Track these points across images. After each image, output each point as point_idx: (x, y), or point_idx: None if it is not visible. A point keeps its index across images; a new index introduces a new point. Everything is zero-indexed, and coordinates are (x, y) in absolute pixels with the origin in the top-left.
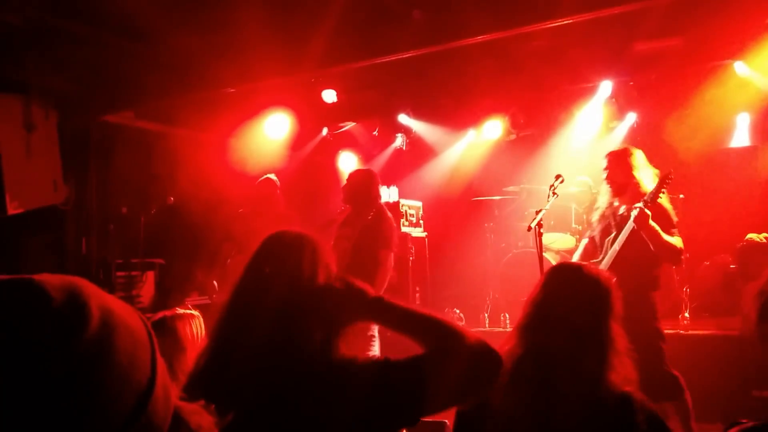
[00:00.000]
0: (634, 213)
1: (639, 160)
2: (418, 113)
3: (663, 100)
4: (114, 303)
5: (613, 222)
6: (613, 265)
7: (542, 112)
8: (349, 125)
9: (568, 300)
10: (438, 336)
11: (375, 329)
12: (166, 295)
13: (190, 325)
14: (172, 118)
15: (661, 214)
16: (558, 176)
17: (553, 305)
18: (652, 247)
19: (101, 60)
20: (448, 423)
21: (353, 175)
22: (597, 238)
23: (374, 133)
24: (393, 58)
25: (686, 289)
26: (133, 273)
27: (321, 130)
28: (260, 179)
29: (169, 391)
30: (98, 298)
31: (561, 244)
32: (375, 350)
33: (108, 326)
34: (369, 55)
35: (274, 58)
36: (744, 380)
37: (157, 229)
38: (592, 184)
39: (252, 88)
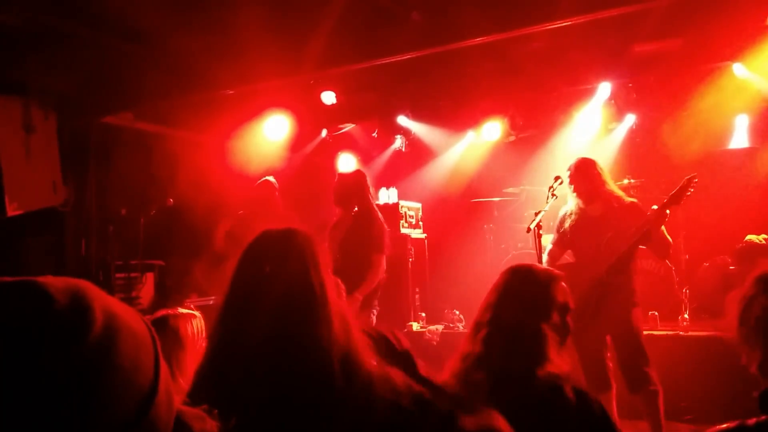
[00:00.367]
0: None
1: (605, 170)
2: (417, 115)
3: (662, 102)
4: (118, 306)
5: (584, 221)
6: (596, 258)
7: (541, 113)
8: (349, 127)
9: (512, 300)
10: None
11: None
12: (166, 297)
13: (191, 324)
14: (171, 120)
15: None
16: (557, 177)
17: (499, 306)
18: (651, 243)
19: (101, 61)
20: None
21: (342, 177)
22: (568, 234)
23: (373, 134)
24: (392, 59)
25: (686, 290)
26: (133, 274)
27: (320, 132)
28: (259, 181)
29: (172, 395)
30: (102, 301)
31: None
32: (373, 321)
33: (111, 330)
34: (368, 57)
35: (274, 60)
36: (744, 381)
37: (157, 231)
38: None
39: (251, 89)
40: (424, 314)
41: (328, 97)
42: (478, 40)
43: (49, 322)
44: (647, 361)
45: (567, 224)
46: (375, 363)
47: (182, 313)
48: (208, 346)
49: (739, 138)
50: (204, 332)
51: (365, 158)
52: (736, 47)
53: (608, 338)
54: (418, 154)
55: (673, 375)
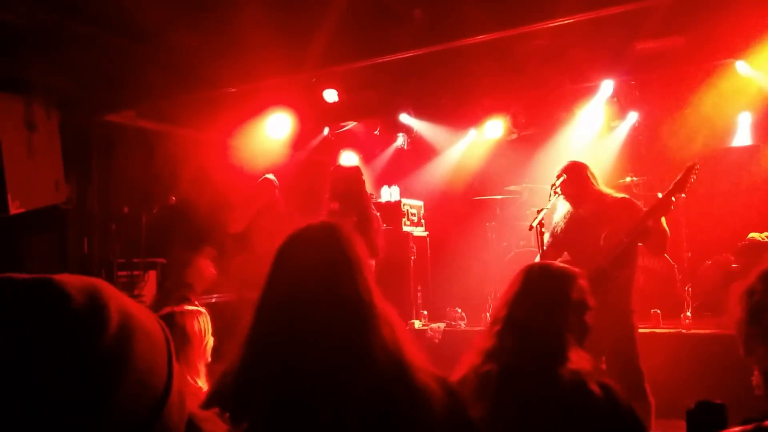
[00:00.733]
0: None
1: (594, 171)
2: (419, 113)
3: (664, 100)
4: (133, 306)
5: (577, 222)
6: (594, 255)
7: (543, 111)
8: (351, 125)
9: (528, 297)
10: None
11: None
12: (168, 295)
13: (197, 321)
14: (173, 118)
15: (631, 217)
16: (560, 175)
17: (515, 303)
18: (650, 236)
19: (103, 60)
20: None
21: (341, 171)
22: (562, 235)
23: (375, 132)
24: (394, 57)
25: (688, 288)
26: (135, 272)
27: (322, 130)
28: (259, 179)
29: (184, 397)
30: (118, 300)
31: None
32: None
33: (127, 330)
34: (370, 55)
35: (276, 58)
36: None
37: (159, 229)
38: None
39: (253, 87)
40: (426, 312)
41: (330, 95)
42: (481, 37)
43: (66, 320)
44: (641, 375)
45: (560, 226)
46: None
47: (188, 310)
48: (242, 348)
49: (742, 135)
50: (210, 329)
51: (367, 156)
52: (739, 45)
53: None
54: (420, 151)
55: (676, 373)
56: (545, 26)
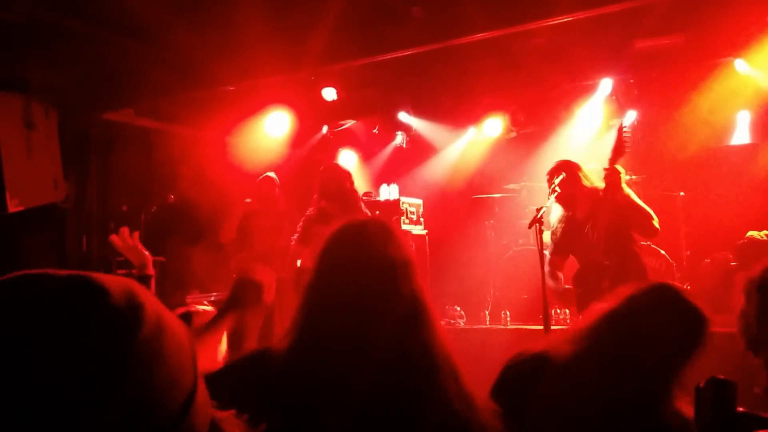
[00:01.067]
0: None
1: (583, 168)
2: (418, 111)
3: (663, 98)
4: (162, 307)
5: (573, 225)
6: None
7: (542, 109)
8: (350, 123)
9: (656, 326)
10: None
11: None
12: (167, 293)
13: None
14: (172, 116)
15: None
16: (556, 174)
17: (635, 325)
18: (631, 218)
19: (101, 58)
20: None
21: (332, 170)
22: (562, 241)
23: (374, 130)
24: (393, 55)
25: (687, 286)
26: (134, 271)
27: (321, 128)
28: (260, 177)
29: (207, 397)
30: (151, 300)
31: None
32: None
33: (160, 329)
34: (369, 53)
35: (274, 56)
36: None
37: (158, 227)
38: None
39: (252, 85)
40: None
41: (329, 93)
42: (480, 35)
43: (106, 316)
44: None
45: (558, 231)
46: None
47: (200, 310)
48: (289, 349)
49: (741, 134)
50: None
51: (366, 154)
52: (738, 43)
53: None
54: (419, 150)
55: None
56: (544, 24)
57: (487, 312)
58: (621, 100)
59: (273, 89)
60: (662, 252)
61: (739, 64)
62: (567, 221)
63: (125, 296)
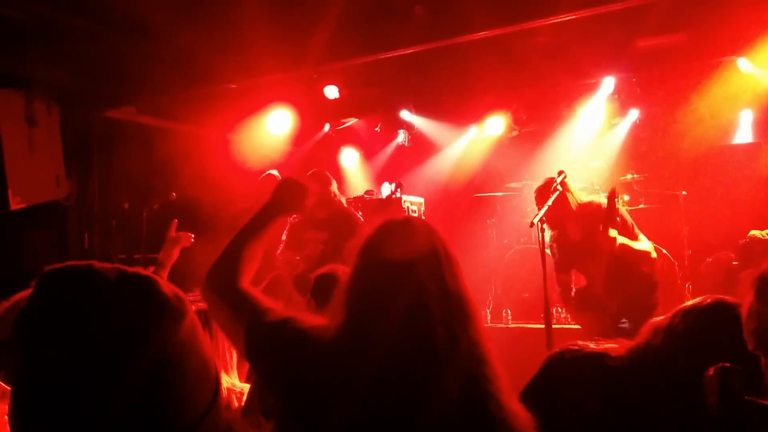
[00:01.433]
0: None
1: (569, 184)
2: (420, 109)
3: (666, 97)
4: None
5: (569, 246)
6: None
7: (544, 108)
8: (352, 121)
9: (713, 342)
10: None
11: None
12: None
13: None
14: (174, 114)
15: (623, 230)
16: (560, 172)
17: (693, 339)
18: (624, 263)
19: (103, 55)
20: None
21: (309, 180)
22: (563, 260)
23: (376, 129)
24: (395, 53)
25: (689, 285)
26: (136, 268)
27: (323, 126)
28: (262, 175)
29: (226, 400)
30: (188, 300)
31: None
32: None
33: (195, 325)
34: (371, 51)
35: (276, 54)
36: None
37: (160, 225)
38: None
39: (254, 83)
40: None
41: (331, 92)
42: (482, 34)
43: (157, 302)
44: None
45: (555, 252)
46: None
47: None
48: (329, 337)
49: (744, 133)
50: None
51: (368, 153)
52: (741, 41)
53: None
54: (421, 148)
55: None
56: (546, 23)
57: (488, 311)
58: (623, 98)
59: (275, 87)
60: (664, 251)
61: (742, 63)
62: (560, 241)
63: (173, 292)
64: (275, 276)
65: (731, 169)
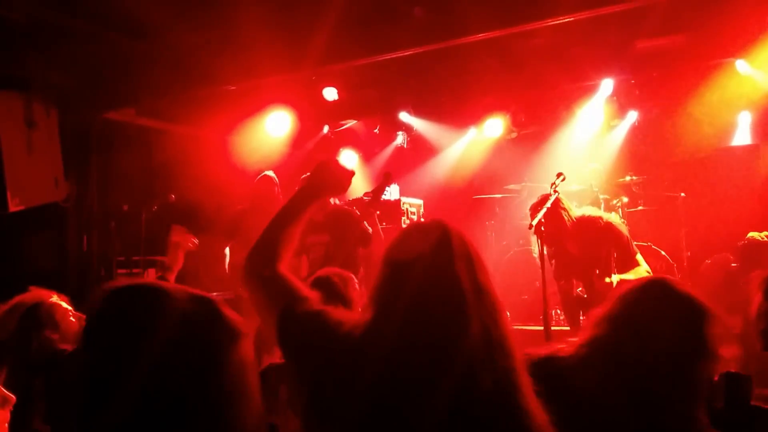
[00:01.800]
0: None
1: (565, 201)
2: (419, 111)
3: (664, 99)
4: None
5: (567, 260)
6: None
7: (543, 110)
8: (350, 123)
9: (654, 322)
10: None
11: None
12: None
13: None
14: (173, 116)
15: (618, 243)
16: (559, 174)
17: (634, 324)
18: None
19: (102, 57)
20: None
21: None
22: (562, 270)
23: (375, 130)
24: (394, 55)
25: None
26: (135, 270)
27: (322, 128)
28: (259, 176)
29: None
30: None
31: None
32: None
33: (250, 345)
34: (370, 53)
35: (275, 56)
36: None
37: (158, 226)
38: (602, 170)
39: (253, 85)
40: None
41: (330, 93)
42: (481, 36)
43: (226, 328)
44: None
45: (553, 263)
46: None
47: None
48: (360, 333)
49: (742, 135)
50: None
51: (367, 154)
52: (739, 43)
53: None
54: (420, 150)
55: None
56: (545, 25)
57: None
58: (622, 100)
59: (274, 89)
60: (663, 253)
61: (740, 65)
62: (559, 255)
63: (230, 313)
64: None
65: (730, 171)
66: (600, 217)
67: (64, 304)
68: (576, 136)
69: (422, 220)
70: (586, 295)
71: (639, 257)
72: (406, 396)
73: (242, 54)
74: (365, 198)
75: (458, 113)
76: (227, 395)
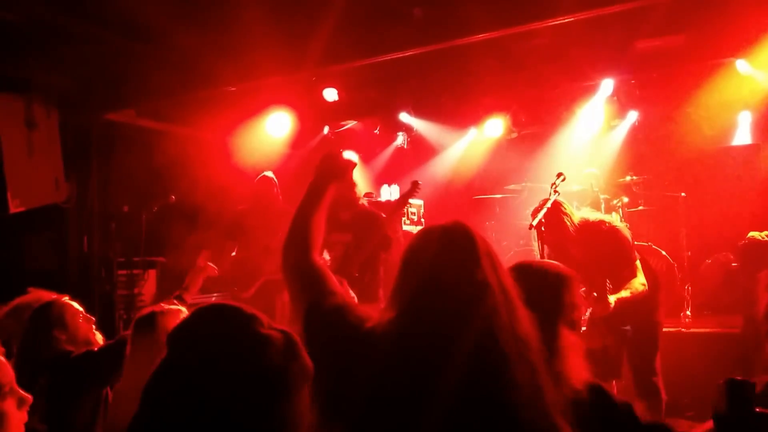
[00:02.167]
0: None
1: (567, 206)
2: (419, 111)
3: (664, 99)
4: None
5: (571, 264)
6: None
7: (543, 110)
8: (351, 124)
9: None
10: None
11: None
12: (168, 294)
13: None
14: (173, 117)
15: (621, 248)
16: (559, 174)
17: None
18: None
19: (103, 58)
20: None
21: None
22: None
23: (375, 131)
24: (394, 56)
25: (688, 287)
26: (135, 271)
27: (322, 129)
28: (258, 177)
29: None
30: None
31: None
32: None
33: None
34: (370, 54)
35: (275, 57)
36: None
37: (159, 228)
38: (599, 175)
39: (253, 86)
40: None
41: (330, 94)
42: (481, 36)
43: (301, 364)
44: (654, 370)
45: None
46: None
47: (168, 309)
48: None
49: (742, 134)
50: None
51: (367, 155)
52: (740, 43)
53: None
54: (420, 151)
55: (675, 372)
56: (545, 25)
57: None
58: (622, 100)
59: (274, 90)
60: (663, 252)
61: (741, 65)
62: (561, 259)
63: (281, 332)
64: (265, 282)
65: (730, 171)
66: (603, 221)
67: (76, 305)
68: (576, 136)
69: (449, 221)
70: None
71: (638, 263)
72: (424, 394)
73: (242, 55)
74: (365, 199)
75: (458, 113)
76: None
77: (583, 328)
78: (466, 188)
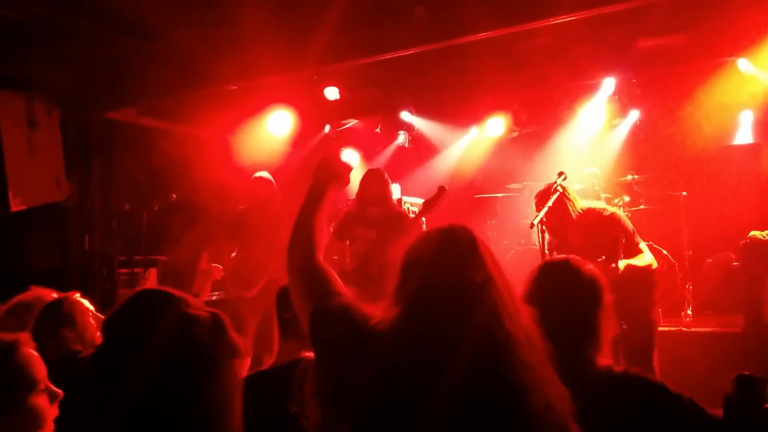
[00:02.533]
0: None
1: (571, 192)
2: (420, 110)
3: (666, 97)
4: None
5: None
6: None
7: (545, 109)
8: (352, 122)
9: (561, 296)
10: None
11: None
12: None
13: None
14: (174, 115)
15: (623, 233)
16: (561, 173)
17: (547, 301)
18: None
19: (104, 57)
20: None
21: (371, 176)
22: None
23: (376, 130)
24: (395, 55)
25: (689, 286)
26: (136, 270)
27: (323, 128)
28: (254, 177)
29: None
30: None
31: None
32: None
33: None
34: (371, 52)
35: (277, 55)
36: None
37: (160, 226)
38: (599, 175)
39: (254, 85)
40: None
41: (331, 93)
42: (482, 35)
43: (225, 340)
44: (652, 369)
45: (555, 255)
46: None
47: None
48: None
49: (744, 133)
50: None
51: (368, 154)
52: (741, 42)
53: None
54: (422, 149)
55: (676, 371)
56: (547, 24)
57: None
58: (624, 99)
59: (275, 88)
60: (664, 252)
61: (742, 64)
62: (562, 247)
63: (234, 334)
64: (270, 280)
65: (732, 170)
66: (604, 209)
67: (87, 304)
68: (577, 135)
69: (451, 223)
70: None
71: (643, 246)
72: (428, 391)
73: (243, 53)
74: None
75: (460, 112)
76: (215, 405)
77: None
78: (467, 187)
